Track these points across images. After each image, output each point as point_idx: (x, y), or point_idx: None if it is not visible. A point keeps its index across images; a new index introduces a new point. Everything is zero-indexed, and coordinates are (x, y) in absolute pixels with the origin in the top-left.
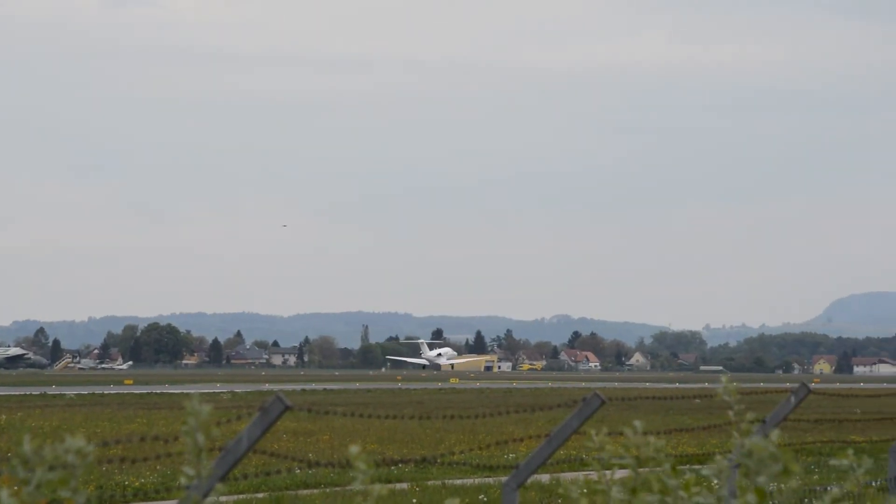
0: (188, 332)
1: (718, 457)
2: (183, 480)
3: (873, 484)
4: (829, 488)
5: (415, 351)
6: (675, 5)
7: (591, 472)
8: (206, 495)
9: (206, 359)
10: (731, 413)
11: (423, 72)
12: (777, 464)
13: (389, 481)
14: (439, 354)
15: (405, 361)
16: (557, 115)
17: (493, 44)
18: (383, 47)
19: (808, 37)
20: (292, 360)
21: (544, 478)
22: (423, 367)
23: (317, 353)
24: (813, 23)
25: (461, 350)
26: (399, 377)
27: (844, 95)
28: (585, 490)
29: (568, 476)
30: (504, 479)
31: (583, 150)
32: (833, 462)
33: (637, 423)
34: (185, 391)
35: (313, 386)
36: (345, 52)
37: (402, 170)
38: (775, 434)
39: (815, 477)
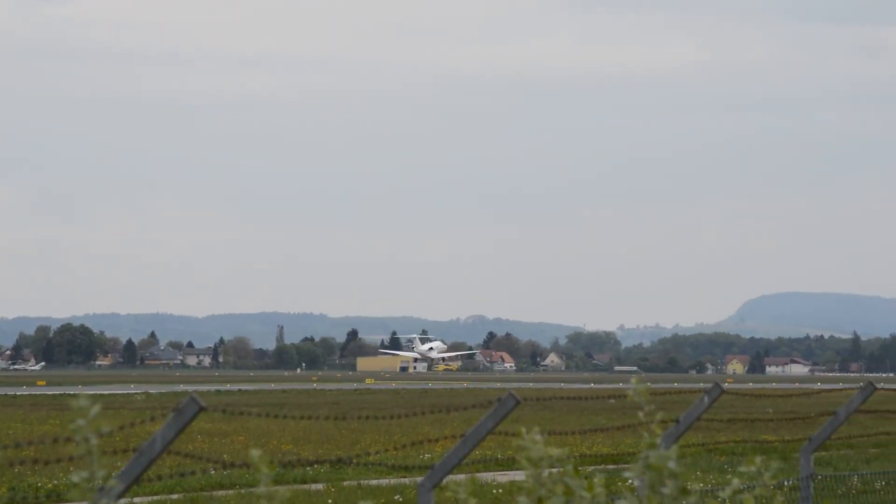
0: (102, 332)
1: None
2: (75, 479)
3: (785, 484)
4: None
5: (386, 346)
6: (583, 7)
7: (507, 472)
8: (119, 496)
9: (120, 360)
10: (641, 414)
11: (334, 72)
12: (675, 480)
13: (305, 482)
14: (431, 348)
15: (398, 354)
16: (467, 116)
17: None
18: (279, 46)
19: (720, 38)
20: (207, 360)
21: (460, 478)
22: (416, 359)
23: (232, 353)
24: (723, 24)
25: (377, 351)
26: (314, 378)
27: (759, 95)
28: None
29: (485, 476)
30: (419, 479)
31: (492, 151)
32: (741, 469)
33: (536, 431)
34: (98, 392)
35: (228, 387)
36: (246, 51)
37: (317, 171)
38: (674, 450)
39: (728, 477)
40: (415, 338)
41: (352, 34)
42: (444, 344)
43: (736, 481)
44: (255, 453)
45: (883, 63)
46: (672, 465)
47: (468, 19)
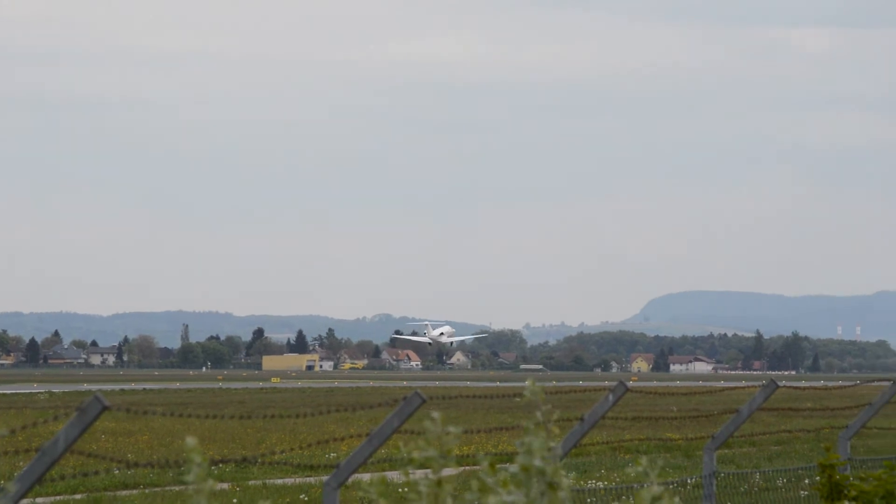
0: (4, 331)
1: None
2: None
3: (689, 481)
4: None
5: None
6: (484, 7)
7: (413, 472)
8: (20, 497)
9: (23, 358)
10: (538, 413)
11: (231, 67)
12: (543, 478)
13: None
14: (441, 333)
15: (411, 340)
16: (371, 112)
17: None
18: (175, 44)
19: (614, 39)
20: (111, 359)
21: (365, 477)
22: (429, 343)
23: (136, 352)
24: (618, 25)
25: (283, 350)
26: (220, 377)
27: (655, 95)
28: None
29: (390, 475)
30: (325, 478)
31: (399, 148)
32: (628, 469)
33: (435, 414)
34: (1, 391)
35: (132, 386)
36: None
37: (221, 170)
38: (540, 446)
39: (633, 475)
40: (427, 324)
41: (246, 31)
42: (453, 328)
43: (656, 487)
44: (190, 441)
45: (777, 64)
46: (538, 462)
47: (368, 18)
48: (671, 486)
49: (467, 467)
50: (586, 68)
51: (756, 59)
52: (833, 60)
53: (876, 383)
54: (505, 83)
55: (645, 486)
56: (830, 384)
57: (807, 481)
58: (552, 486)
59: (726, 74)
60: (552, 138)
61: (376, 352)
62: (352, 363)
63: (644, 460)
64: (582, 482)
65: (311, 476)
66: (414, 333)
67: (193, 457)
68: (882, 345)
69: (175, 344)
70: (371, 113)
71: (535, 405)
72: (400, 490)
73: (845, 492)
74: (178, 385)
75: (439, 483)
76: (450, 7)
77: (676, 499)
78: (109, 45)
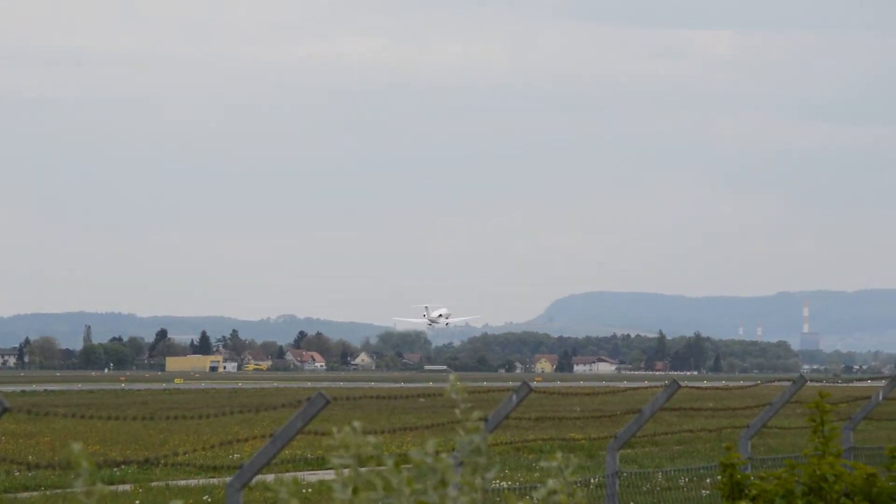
0: None
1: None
2: None
3: (592, 481)
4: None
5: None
6: (398, 6)
7: (316, 472)
8: None
9: None
10: (458, 411)
11: (138, 67)
12: (435, 474)
13: (112, 483)
14: (440, 315)
15: (410, 321)
16: (282, 112)
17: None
18: (69, 43)
19: (529, 38)
20: (12, 360)
21: (269, 478)
22: (429, 324)
23: (37, 353)
24: (534, 25)
25: (186, 351)
26: (122, 378)
27: (562, 95)
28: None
29: (295, 476)
30: (228, 479)
31: (302, 148)
32: (543, 464)
33: (356, 424)
34: None
35: (34, 387)
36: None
37: (122, 170)
38: (431, 443)
39: (536, 475)
40: (426, 306)
41: (144, 30)
42: (449, 311)
43: (552, 481)
44: (75, 446)
45: (678, 64)
46: (429, 459)
47: (281, 17)
48: (575, 485)
49: (372, 468)
50: (494, 69)
51: (659, 61)
52: (737, 63)
53: (776, 383)
54: (413, 83)
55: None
56: (732, 384)
57: (708, 480)
58: (443, 483)
59: (631, 75)
60: (458, 138)
61: (280, 353)
62: (256, 364)
63: (559, 455)
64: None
65: (214, 477)
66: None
67: (80, 462)
68: (782, 345)
69: (77, 345)
70: (277, 113)
71: (455, 403)
72: (304, 492)
73: (746, 491)
74: (80, 386)
75: (355, 490)
76: (358, 7)
77: (580, 493)
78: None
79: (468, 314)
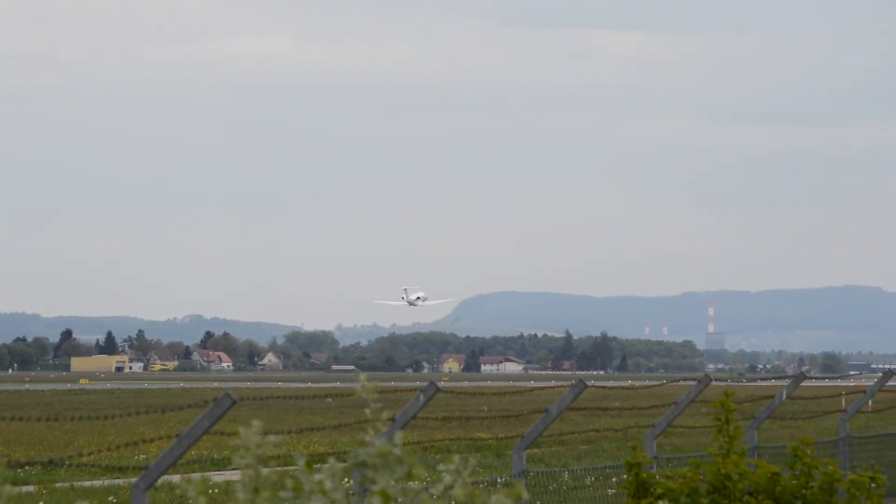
0: None
1: (332, 458)
2: None
3: (499, 480)
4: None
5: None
6: (302, 5)
7: (222, 472)
8: None
9: None
10: (368, 411)
11: (54, 66)
12: (402, 466)
13: (16, 484)
14: (418, 297)
15: (389, 304)
16: (186, 110)
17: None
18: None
19: (434, 38)
20: None
21: (175, 478)
22: (409, 304)
23: None
24: (439, 25)
25: (92, 351)
26: (27, 378)
27: (473, 95)
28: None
29: (196, 476)
30: (134, 480)
31: (214, 146)
32: (441, 467)
33: (255, 423)
34: None
35: None
36: None
37: (28, 167)
38: (399, 436)
39: (446, 477)
40: (405, 288)
41: (58, 28)
42: (426, 294)
43: (447, 477)
44: None
45: (589, 65)
46: (397, 451)
47: (184, 15)
48: (482, 485)
49: (280, 468)
50: (400, 69)
51: (567, 62)
52: (644, 64)
53: (682, 383)
54: (326, 81)
55: (456, 484)
56: (638, 384)
57: (614, 479)
58: (410, 475)
59: (539, 76)
60: (363, 138)
61: (187, 353)
62: (162, 364)
63: (456, 458)
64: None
65: (119, 478)
66: (114, 347)
67: None
68: (688, 345)
69: None
70: (180, 111)
71: (365, 402)
72: (211, 492)
73: (651, 489)
74: None
75: (256, 490)
76: (272, 4)
77: (482, 492)
78: None
79: (442, 297)
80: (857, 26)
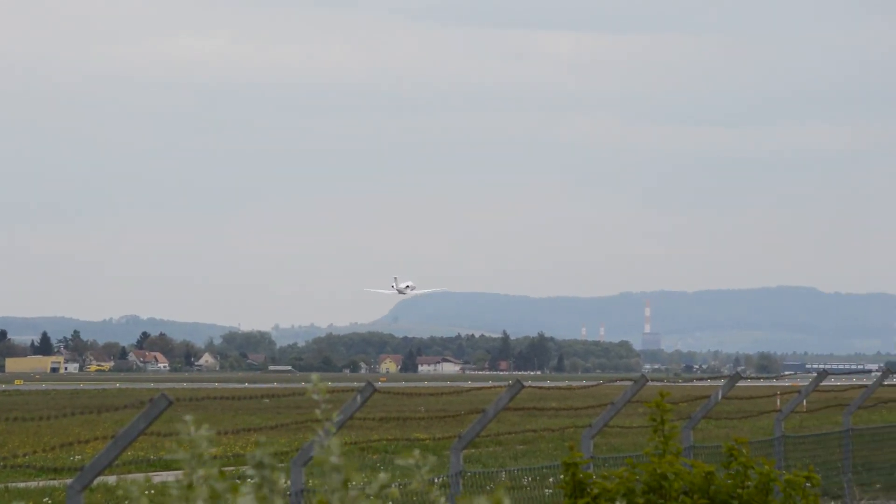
0: None
1: (253, 456)
2: None
3: (436, 481)
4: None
5: None
6: (239, 5)
7: (159, 473)
8: None
9: None
10: (318, 412)
11: None
12: (339, 474)
13: None
14: (407, 286)
15: (380, 292)
16: (125, 109)
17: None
18: None
19: (373, 39)
20: None
21: (111, 479)
22: (399, 292)
23: None
24: (377, 25)
25: (27, 352)
26: None
27: (412, 95)
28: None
29: (137, 477)
30: (69, 481)
31: (147, 146)
32: (399, 462)
33: (188, 417)
34: None
35: None
36: None
37: None
38: (336, 443)
39: (381, 475)
40: (395, 277)
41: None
42: (414, 283)
43: (382, 475)
44: None
45: (527, 66)
46: (335, 459)
47: (116, 16)
48: (427, 483)
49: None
50: (338, 68)
51: (506, 62)
52: (583, 64)
53: (618, 383)
54: (258, 82)
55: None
56: (575, 384)
57: (551, 479)
58: (346, 483)
59: (477, 76)
60: (302, 136)
61: (123, 354)
62: (98, 365)
63: (417, 452)
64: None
65: (55, 479)
66: (49, 348)
67: None
68: (624, 345)
69: None
70: (120, 110)
71: (315, 403)
72: (147, 492)
73: (588, 489)
74: None
75: (190, 486)
76: (212, 4)
77: (436, 491)
78: None
79: (431, 287)
80: (794, 30)
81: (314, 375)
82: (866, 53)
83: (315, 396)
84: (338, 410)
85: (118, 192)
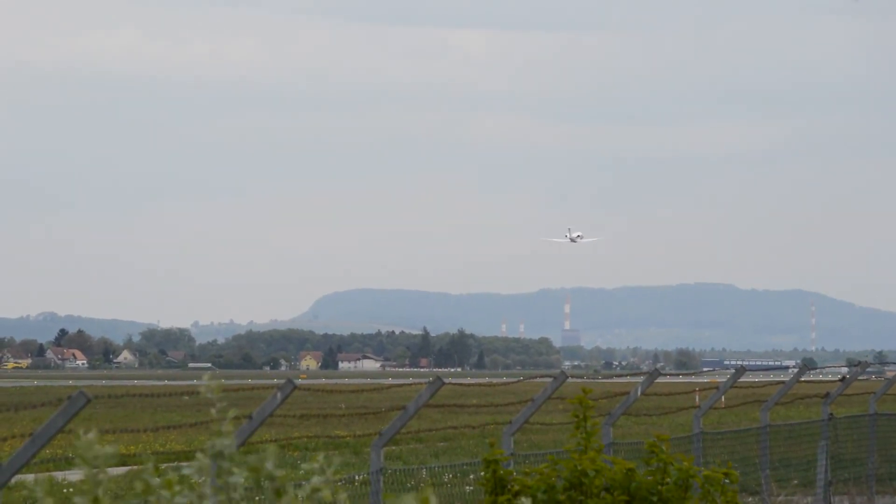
0: None
1: (200, 454)
2: None
3: (357, 478)
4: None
5: None
6: (148, 2)
7: (78, 471)
8: None
9: None
10: (213, 411)
11: None
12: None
13: None
14: (578, 236)
15: (554, 241)
16: (26, 112)
17: None
18: None
19: (281, 36)
20: None
21: (29, 477)
22: (571, 241)
23: None
24: (289, 23)
25: None
26: None
27: (324, 93)
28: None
29: (55, 475)
30: None
31: (65, 144)
32: (304, 465)
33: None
34: None
35: None
36: None
37: None
38: (273, 450)
39: (301, 472)
40: (569, 228)
41: None
42: (582, 233)
43: (315, 478)
44: None
45: (439, 64)
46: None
47: (21, 9)
48: (339, 483)
49: (135, 466)
50: (248, 66)
51: (415, 60)
52: (491, 63)
53: (538, 379)
54: (164, 80)
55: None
56: (495, 381)
57: (472, 476)
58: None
59: (387, 74)
60: (215, 134)
61: (41, 351)
62: (15, 362)
63: (321, 457)
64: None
65: None
66: None
67: None
68: (544, 341)
69: None
70: (38, 109)
71: (211, 402)
72: (65, 490)
73: (509, 486)
74: None
75: (99, 484)
76: (116, 1)
77: (344, 495)
78: None
79: (596, 235)
80: (695, 29)
81: (206, 375)
82: (781, 54)
83: (209, 395)
84: (237, 408)
85: (32, 187)
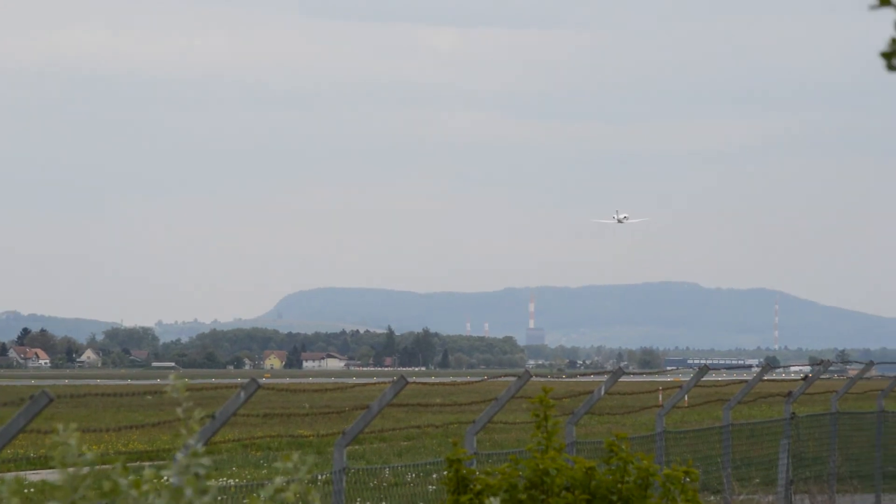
0: None
1: (180, 456)
2: None
3: (319, 478)
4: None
5: None
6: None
7: (39, 471)
8: None
9: None
10: (179, 410)
11: None
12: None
13: None
14: (625, 217)
15: (601, 222)
16: (6, 104)
17: None
18: None
19: (252, 33)
20: None
21: None
22: (618, 221)
23: None
24: (259, 19)
25: None
26: None
27: (292, 91)
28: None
29: (18, 474)
30: None
31: (30, 140)
32: (277, 464)
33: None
34: None
35: None
36: None
37: None
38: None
39: (264, 472)
40: (617, 210)
41: None
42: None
43: (278, 479)
44: None
45: (401, 61)
46: (206, 462)
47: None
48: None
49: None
50: (218, 62)
51: (383, 57)
52: (456, 59)
53: (502, 378)
54: (133, 76)
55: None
56: (459, 380)
57: (435, 476)
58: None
59: (356, 71)
60: (184, 133)
61: (3, 350)
62: None
63: (295, 456)
64: (214, 479)
65: None
66: None
67: None
68: (509, 340)
69: None
70: (7, 104)
71: (177, 402)
72: (27, 491)
73: (471, 486)
74: None
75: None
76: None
77: (317, 496)
78: None
79: (640, 217)
80: (652, 25)
81: (172, 375)
82: (753, 52)
83: (174, 395)
84: (202, 408)
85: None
